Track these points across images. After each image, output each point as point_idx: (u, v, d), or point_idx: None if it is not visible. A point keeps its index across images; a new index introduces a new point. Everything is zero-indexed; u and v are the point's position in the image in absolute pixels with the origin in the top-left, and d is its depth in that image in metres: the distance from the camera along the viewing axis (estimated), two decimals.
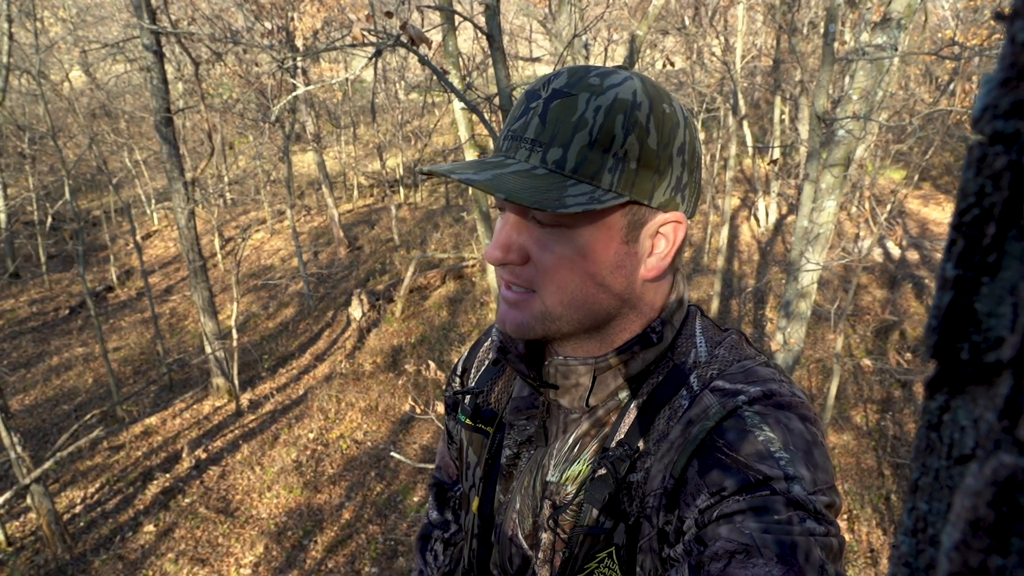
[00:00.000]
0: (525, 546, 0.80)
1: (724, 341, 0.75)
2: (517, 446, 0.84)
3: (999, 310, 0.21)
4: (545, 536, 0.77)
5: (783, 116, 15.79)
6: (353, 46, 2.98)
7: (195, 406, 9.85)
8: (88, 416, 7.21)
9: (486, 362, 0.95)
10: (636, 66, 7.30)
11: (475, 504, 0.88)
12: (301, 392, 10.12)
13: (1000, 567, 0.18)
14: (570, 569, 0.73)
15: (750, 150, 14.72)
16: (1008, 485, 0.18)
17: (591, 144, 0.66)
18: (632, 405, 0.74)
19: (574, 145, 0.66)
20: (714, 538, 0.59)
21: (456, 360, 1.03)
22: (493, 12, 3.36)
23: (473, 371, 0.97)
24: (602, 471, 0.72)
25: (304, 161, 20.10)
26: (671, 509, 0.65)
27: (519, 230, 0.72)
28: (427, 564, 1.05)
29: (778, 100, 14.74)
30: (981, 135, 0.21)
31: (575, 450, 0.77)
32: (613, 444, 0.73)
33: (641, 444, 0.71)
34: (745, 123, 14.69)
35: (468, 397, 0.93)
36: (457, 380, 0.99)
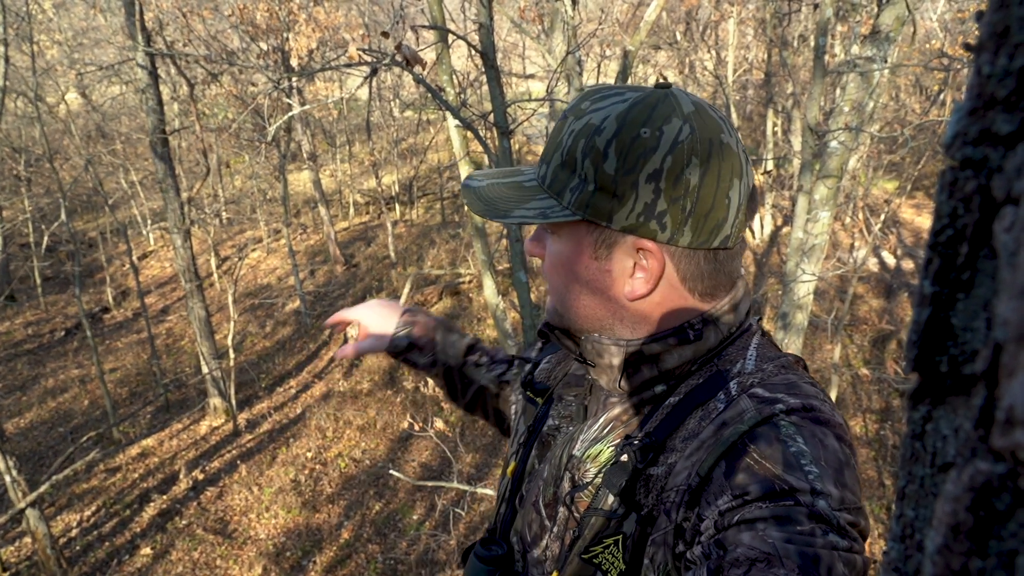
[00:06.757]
0: (544, 514, 0.82)
1: (777, 360, 0.74)
2: (560, 419, 0.89)
3: (974, 324, 0.22)
4: (561, 510, 0.79)
5: (776, 128, 15.92)
6: (349, 66, 3.00)
7: (192, 427, 9.79)
8: (84, 438, 7.17)
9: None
10: (629, 81, 7.36)
11: (511, 468, 0.92)
12: (299, 411, 10.08)
13: (980, 569, 0.19)
14: (577, 548, 0.74)
15: None
16: (984, 490, 0.19)
17: (562, 164, 0.73)
18: (668, 401, 0.75)
19: (552, 163, 0.74)
20: (735, 544, 0.58)
21: None
22: (487, 30, 3.40)
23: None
24: (624, 457, 0.73)
25: (300, 180, 20.15)
26: (692, 506, 0.65)
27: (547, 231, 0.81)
28: (486, 351, 1.21)
29: (770, 113, 14.88)
30: (952, 160, 0.22)
31: (603, 431, 0.79)
32: (641, 434, 0.74)
33: (667, 439, 0.72)
34: (738, 136, 14.79)
35: (528, 367, 1.01)
36: (540, 344, 1.05)
